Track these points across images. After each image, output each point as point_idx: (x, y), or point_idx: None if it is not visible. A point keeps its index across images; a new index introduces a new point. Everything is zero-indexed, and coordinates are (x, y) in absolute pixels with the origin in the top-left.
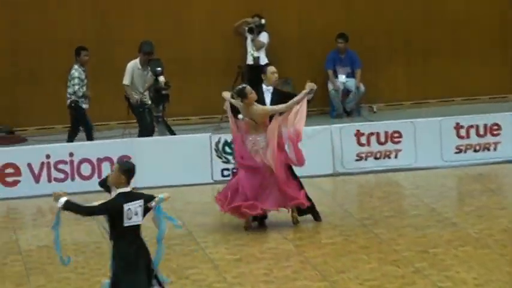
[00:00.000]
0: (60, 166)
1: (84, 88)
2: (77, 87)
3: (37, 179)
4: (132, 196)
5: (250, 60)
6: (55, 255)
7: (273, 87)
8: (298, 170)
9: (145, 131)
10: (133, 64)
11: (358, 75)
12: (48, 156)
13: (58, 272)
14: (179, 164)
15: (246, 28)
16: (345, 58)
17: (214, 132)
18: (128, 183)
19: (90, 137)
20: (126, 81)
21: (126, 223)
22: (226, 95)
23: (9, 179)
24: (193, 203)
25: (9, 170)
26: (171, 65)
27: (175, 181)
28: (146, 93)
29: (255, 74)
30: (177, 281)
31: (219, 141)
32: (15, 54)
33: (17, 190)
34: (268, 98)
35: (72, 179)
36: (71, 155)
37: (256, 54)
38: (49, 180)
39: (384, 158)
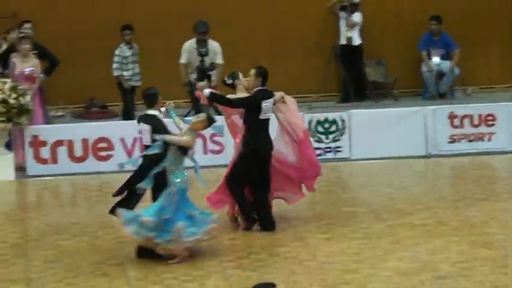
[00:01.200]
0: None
1: (130, 66)
2: (115, 65)
3: (129, 153)
4: None
5: (343, 41)
6: None
7: None
8: (391, 151)
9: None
10: (190, 43)
11: (454, 57)
12: (141, 132)
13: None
14: None
15: (339, 6)
16: (439, 40)
17: (307, 111)
18: None
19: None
20: (182, 60)
21: None
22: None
23: (103, 153)
24: None
25: (103, 145)
26: (265, 44)
27: None
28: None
29: (347, 55)
30: (269, 258)
31: (311, 121)
32: (110, 32)
33: (109, 164)
34: None
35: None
36: None
37: (349, 34)
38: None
39: (478, 140)
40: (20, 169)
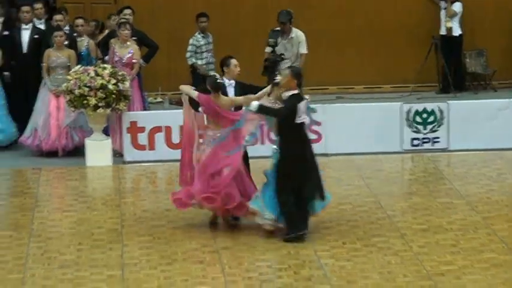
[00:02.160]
0: None
1: (204, 55)
2: (188, 54)
3: None
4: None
5: (443, 31)
6: (243, 218)
7: (235, 80)
8: (489, 142)
9: None
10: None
11: None
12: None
13: (244, 234)
14: (369, 131)
15: None
16: None
17: (406, 101)
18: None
19: None
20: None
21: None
22: (186, 88)
23: (201, 140)
24: (382, 171)
25: (201, 131)
26: (365, 34)
27: (365, 148)
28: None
29: (447, 45)
30: (363, 248)
31: (409, 111)
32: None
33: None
34: (231, 92)
35: (262, 143)
36: None
37: (449, 24)
38: None
39: None
40: (118, 155)
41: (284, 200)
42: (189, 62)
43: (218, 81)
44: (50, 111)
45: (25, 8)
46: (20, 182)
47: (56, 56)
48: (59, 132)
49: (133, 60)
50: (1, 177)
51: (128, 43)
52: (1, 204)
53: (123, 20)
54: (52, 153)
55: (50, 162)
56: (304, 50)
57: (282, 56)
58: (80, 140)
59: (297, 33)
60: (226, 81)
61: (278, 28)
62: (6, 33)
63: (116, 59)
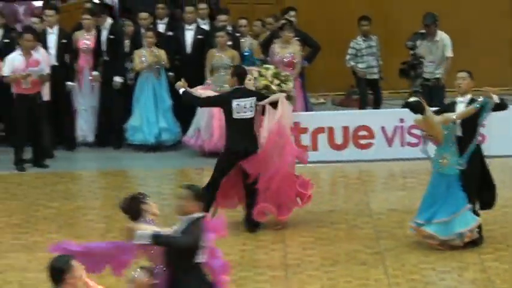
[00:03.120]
0: (414, 131)
1: (365, 58)
2: (348, 56)
3: (390, 142)
4: None
5: None
6: (404, 220)
7: None
8: None
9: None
10: (420, 36)
11: None
12: (401, 120)
13: (406, 236)
14: None
15: None
16: None
17: None
18: None
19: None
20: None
21: None
22: (276, 96)
23: (363, 142)
24: None
25: (363, 133)
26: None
27: None
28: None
29: None
30: (508, 249)
31: None
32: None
33: (369, 153)
34: None
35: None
36: None
37: None
38: (402, 145)
39: None
40: None
41: (475, 210)
42: (348, 65)
43: None
44: (212, 112)
45: (189, 9)
46: (184, 182)
47: (219, 56)
48: (222, 132)
49: (295, 61)
50: (165, 177)
51: (290, 43)
52: (166, 204)
53: (285, 21)
54: (215, 154)
55: (212, 162)
56: (449, 53)
57: (421, 59)
58: None
59: (441, 36)
60: None
61: (422, 31)
62: (170, 33)
63: (277, 59)
